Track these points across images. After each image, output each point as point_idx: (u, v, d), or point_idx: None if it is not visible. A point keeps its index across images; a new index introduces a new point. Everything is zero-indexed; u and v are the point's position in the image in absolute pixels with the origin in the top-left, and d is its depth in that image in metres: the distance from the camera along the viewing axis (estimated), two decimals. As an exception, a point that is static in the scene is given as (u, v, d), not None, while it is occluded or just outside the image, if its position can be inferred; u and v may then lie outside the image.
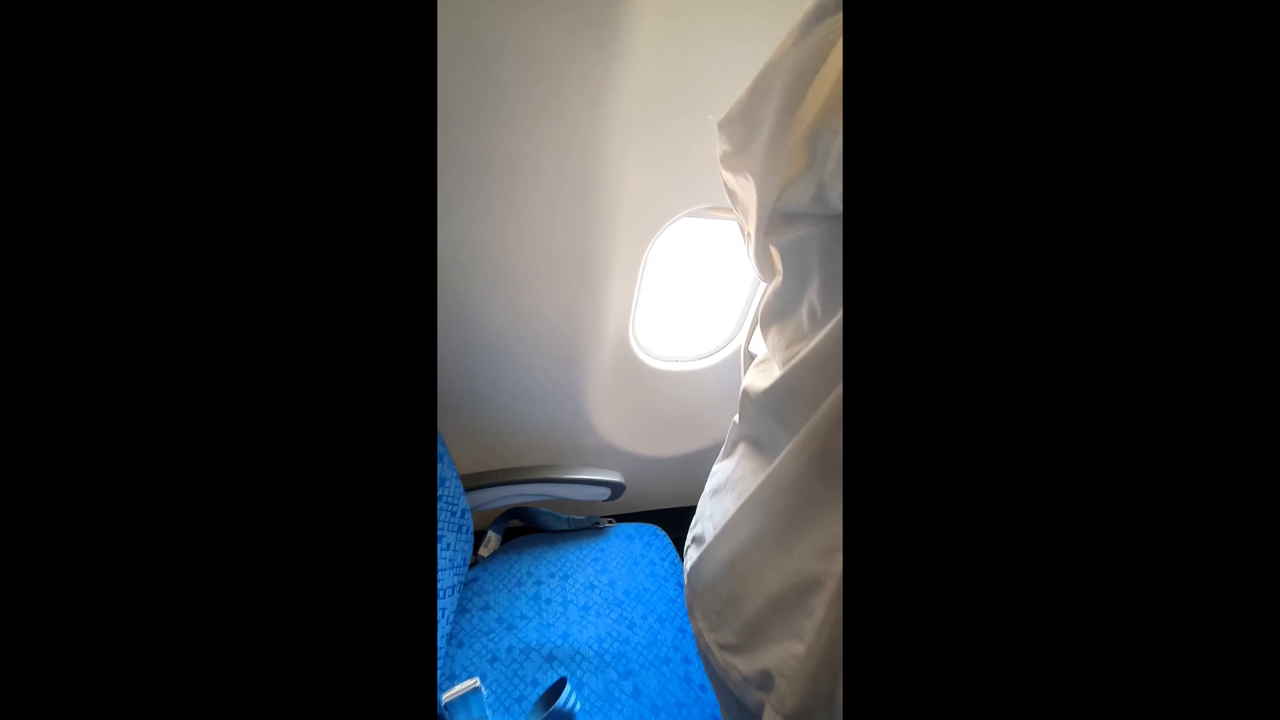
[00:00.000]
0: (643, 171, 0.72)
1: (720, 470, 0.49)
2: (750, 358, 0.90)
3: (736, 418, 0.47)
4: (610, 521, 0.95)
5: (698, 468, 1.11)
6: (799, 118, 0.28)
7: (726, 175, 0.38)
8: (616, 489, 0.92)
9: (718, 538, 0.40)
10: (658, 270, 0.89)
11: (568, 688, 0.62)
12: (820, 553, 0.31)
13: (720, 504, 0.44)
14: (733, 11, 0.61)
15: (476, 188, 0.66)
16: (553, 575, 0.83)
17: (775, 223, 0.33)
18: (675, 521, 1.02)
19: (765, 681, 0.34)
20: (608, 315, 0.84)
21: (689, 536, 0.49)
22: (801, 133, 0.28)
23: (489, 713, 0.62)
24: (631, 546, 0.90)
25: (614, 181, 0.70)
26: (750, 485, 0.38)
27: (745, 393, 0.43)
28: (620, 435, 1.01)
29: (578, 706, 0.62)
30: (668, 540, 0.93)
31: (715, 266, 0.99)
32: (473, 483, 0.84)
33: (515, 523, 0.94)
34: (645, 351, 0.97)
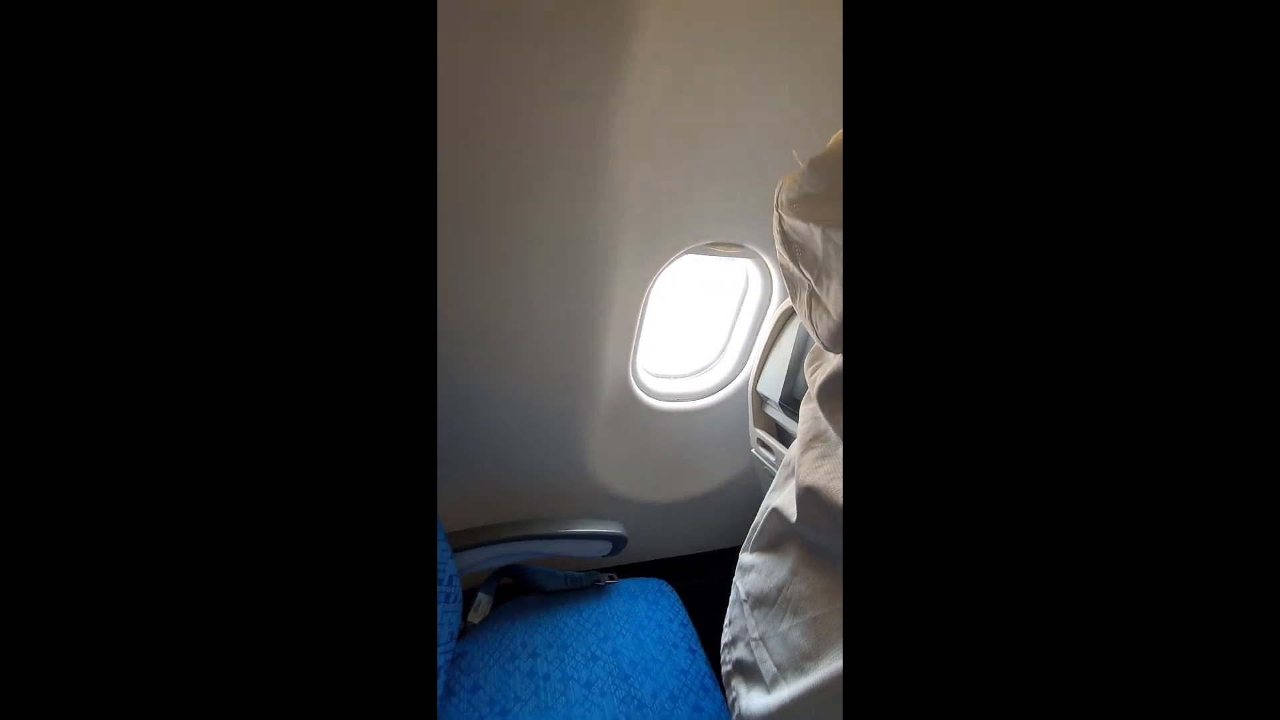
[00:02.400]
0: (641, 215, 0.69)
1: (761, 568, 0.41)
2: (760, 399, 0.85)
3: (782, 506, 0.40)
4: (612, 578, 0.87)
5: (702, 513, 1.04)
6: None
7: (792, 222, 0.34)
8: (618, 542, 0.85)
9: (799, 701, 0.32)
10: (658, 310, 0.85)
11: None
12: None
13: (778, 629, 0.36)
14: (734, 58, 0.59)
15: (472, 242, 0.62)
16: (549, 645, 0.75)
17: None
18: (680, 570, 0.94)
19: None
20: (604, 359, 0.79)
21: (728, 657, 0.41)
22: None
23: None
24: (636, 606, 0.82)
25: (611, 229, 0.67)
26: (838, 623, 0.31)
27: (813, 493, 0.35)
28: (620, 481, 0.95)
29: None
30: (675, 596, 0.86)
31: (714, 302, 0.96)
32: (460, 542, 0.77)
33: (508, 580, 0.86)
34: (645, 391, 0.92)
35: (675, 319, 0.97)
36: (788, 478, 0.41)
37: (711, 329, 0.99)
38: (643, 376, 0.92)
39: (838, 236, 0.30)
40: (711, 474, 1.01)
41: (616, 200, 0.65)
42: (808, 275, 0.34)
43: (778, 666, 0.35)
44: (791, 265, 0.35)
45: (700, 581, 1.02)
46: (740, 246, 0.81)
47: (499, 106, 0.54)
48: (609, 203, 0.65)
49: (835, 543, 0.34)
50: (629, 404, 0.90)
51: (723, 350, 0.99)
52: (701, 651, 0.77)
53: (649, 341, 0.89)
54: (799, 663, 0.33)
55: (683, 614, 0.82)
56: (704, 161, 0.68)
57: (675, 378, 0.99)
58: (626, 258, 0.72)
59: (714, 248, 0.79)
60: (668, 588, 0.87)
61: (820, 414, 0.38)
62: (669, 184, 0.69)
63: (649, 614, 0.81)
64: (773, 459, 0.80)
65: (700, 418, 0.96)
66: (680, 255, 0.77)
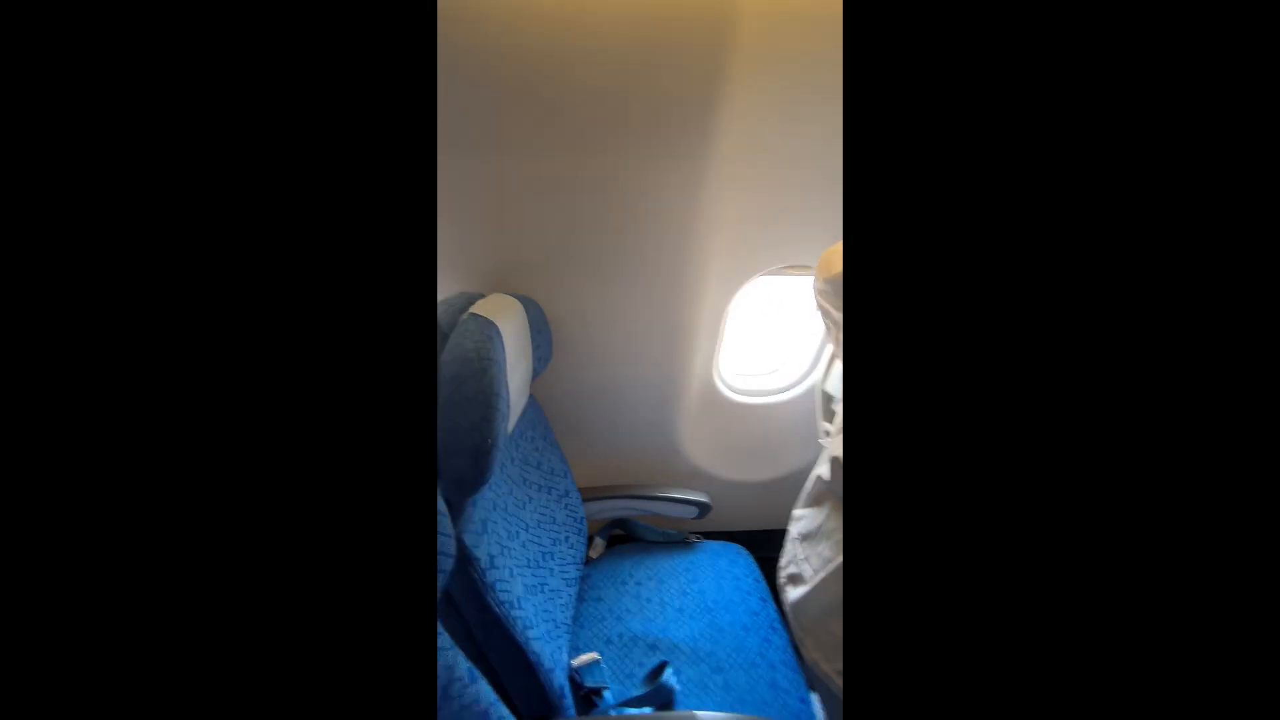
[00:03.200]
0: (726, 244, 0.88)
1: (808, 517, 0.59)
2: (827, 397, 0.99)
3: (822, 472, 0.57)
4: (698, 538, 1.07)
5: (776, 494, 1.20)
6: None
7: (825, 304, 0.52)
8: (703, 508, 1.05)
9: (823, 582, 0.50)
10: (742, 320, 1.04)
11: (669, 669, 0.75)
12: None
13: (816, 549, 0.54)
14: (802, 96, 0.75)
15: (602, 267, 0.87)
16: (650, 578, 0.97)
17: None
18: (755, 543, 1.11)
19: None
20: (694, 358, 1.00)
21: (783, 573, 0.60)
22: None
23: (608, 682, 0.77)
24: (718, 562, 1.02)
25: (702, 252, 0.87)
26: None
27: (838, 461, 0.54)
28: (706, 459, 1.15)
29: (678, 688, 0.74)
30: (751, 559, 1.03)
31: (790, 314, 1.11)
32: (587, 495, 1.03)
33: (617, 531, 1.10)
34: (728, 387, 1.10)
35: (759, 328, 1.14)
36: (824, 451, 0.58)
37: (789, 336, 1.15)
38: (726, 374, 1.11)
39: (838, 316, 0.49)
40: (784, 461, 1.16)
41: (706, 233, 0.85)
42: (832, 325, 0.52)
43: (813, 569, 0.53)
44: (824, 318, 0.53)
45: (771, 554, 1.18)
46: (809, 267, 0.96)
47: (625, 162, 0.76)
48: (700, 236, 0.85)
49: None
50: (714, 397, 1.09)
51: (795, 354, 1.14)
52: (771, 602, 0.94)
53: (733, 346, 1.08)
54: (825, 564, 0.51)
55: (756, 572, 1.00)
56: (777, 199, 0.86)
57: (755, 376, 1.16)
58: (714, 278, 0.92)
59: (787, 270, 0.96)
60: (745, 552, 1.05)
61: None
62: (748, 218, 0.87)
63: (728, 569, 1.00)
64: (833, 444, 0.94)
65: (775, 411, 1.12)
66: (759, 275, 0.95)
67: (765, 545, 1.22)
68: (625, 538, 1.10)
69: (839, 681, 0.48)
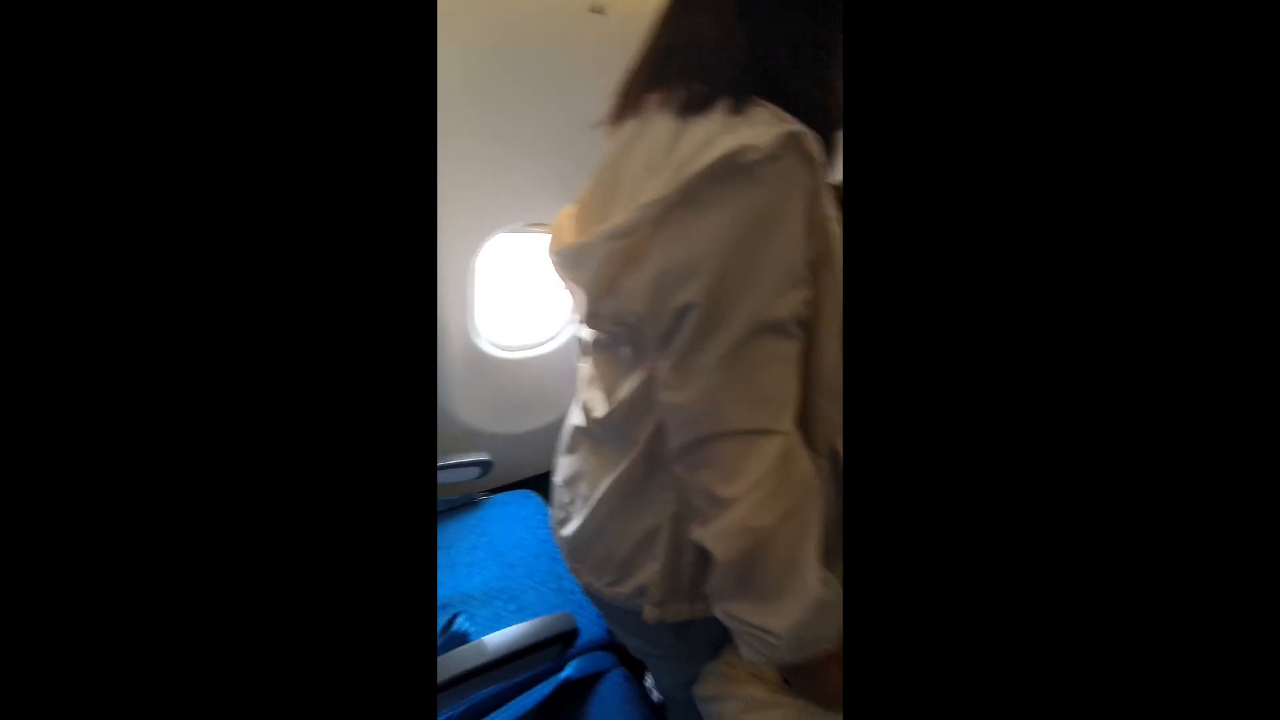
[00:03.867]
0: (462, 199, 0.87)
1: (566, 464, 0.60)
2: (582, 343, 1.12)
3: (578, 420, 0.58)
4: (485, 495, 1.10)
5: (553, 437, 1.31)
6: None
7: (560, 274, 0.53)
8: (485, 466, 1.07)
9: (589, 515, 0.53)
10: (491, 276, 1.05)
11: (460, 617, 0.78)
12: (657, 512, 0.48)
13: (577, 490, 0.56)
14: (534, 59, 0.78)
15: None
16: (440, 548, 0.96)
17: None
18: (546, 486, 1.20)
19: (640, 592, 0.50)
20: (446, 320, 0.97)
21: (554, 520, 0.63)
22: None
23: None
24: (506, 511, 1.07)
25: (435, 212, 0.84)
26: (603, 477, 0.51)
27: (585, 410, 0.55)
28: (481, 418, 1.16)
29: (470, 631, 0.78)
30: (539, 499, 1.12)
31: (542, 270, 1.18)
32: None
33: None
34: (491, 344, 1.12)
35: (515, 284, 1.17)
36: (573, 401, 0.62)
37: (545, 291, 1.22)
38: (488, 332, 1.12)
39: (573, 285, 0.50)
40: (559, 405, 1.27)
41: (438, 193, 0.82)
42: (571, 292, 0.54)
43: (578, 508, 0.57)
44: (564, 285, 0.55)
45: None
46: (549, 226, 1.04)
47: None
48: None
49: (599, 436, 0.54)
50: (477, 355, 1.09)
51: (556, 307, 1.23)
52: (559, 528, 1.06)
53: (490, 303, 1.09)
54: (587, 500, 0.55)
55: (545, 508, 1.09)
56: (511, 159, 0.88)
57: (518, 330, 1.21)
58: (450, 239, 0.90)
59: (530, 228, 1.01)
60: (533, 494, 1.13)
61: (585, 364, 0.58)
62: (482, 178, 0.87)
63: (517, 513, 1.07)
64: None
65: (543, 361, 1.20)
66: (498, 233, 0.97)
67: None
68: (405, 519, 1.03)
69: (609, 591, 0.54)
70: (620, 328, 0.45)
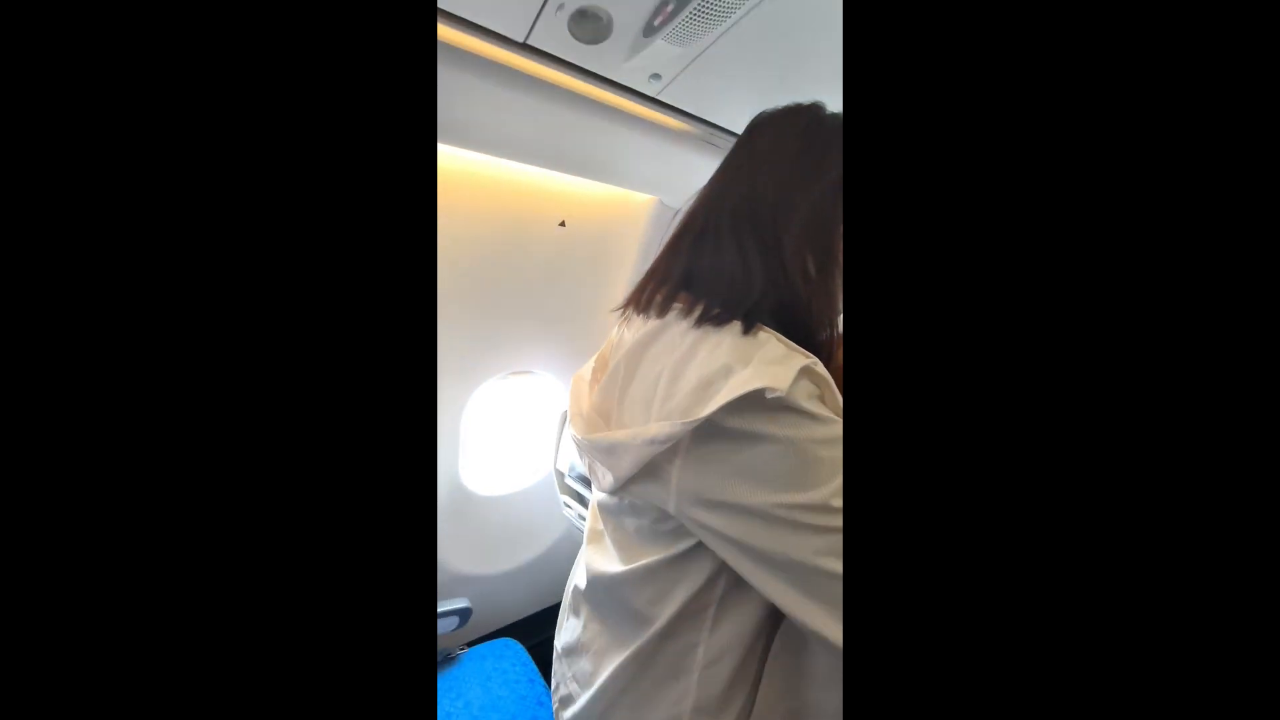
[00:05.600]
0: (453, 353, 1.01)
1: (569, 629, 0.57)
2: (560, 475, 1.18)
3: (578, 581, 0.55)
4: (463, 648, 1.04)
5: (539, 573, 1.29)
6: None
7: (588, 459, 0.49)
8: (464, 614, 1.04)
9: (592, 698, 0.49)
10: (482, 420, 1.15)
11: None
12: (675, 703, 0.44)
13: (579, 665, 0.53)
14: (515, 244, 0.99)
15: None
16: None
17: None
18: (530, 629, 1.15)
19: None
20: (435, 462, 1.05)
21: (556, 698, 0.58)
22: None
23: None
24: (484, 664, 1.01)
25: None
26: (612, 654, 0.48)
27: (589, 567, 0.52)
28: (464, 561, 1.15)
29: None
30: (521, 649, 1.06)
31: (523, 413, 1.30)
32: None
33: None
34: (476, 485, 1.18)
35: (503, 424, 1.27)
36: (578, 562, 0.60)
37: (529, 429, 1.32)
38: (473, 473, 1.18)
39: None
40: (540, 539, 1.28)
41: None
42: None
43: (579, 686, 0.53)
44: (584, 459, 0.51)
45: (547, 635, 1.23)
46: (530, 372, 1.19)
47: None
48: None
49: (605, 603, 0.51)
50: (462, 497, 1.14)
51: (536, 446, 1.32)
52: (541, 681, 1.00)
53: (475, 446, 1.17)
54: (587, 680, 0.52)
55: (525, 657, 1.04)
56: (501, 312, 1.05)
57: (501, 470, 1.27)
58: (444, 387, 1.02)
59: (513, 374, 1.15)
60: (513, 642, 1.08)
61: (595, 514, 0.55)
62: (475, 329, 1.03)
63: (495, 666, 1.01)
64: (575, 514, 1.12)
65: (525, 498, 1.24)
66: (486, 382, 1.11)
67: (540, 629, 1.27)
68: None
69: None
70: (652, 509, 0.45)
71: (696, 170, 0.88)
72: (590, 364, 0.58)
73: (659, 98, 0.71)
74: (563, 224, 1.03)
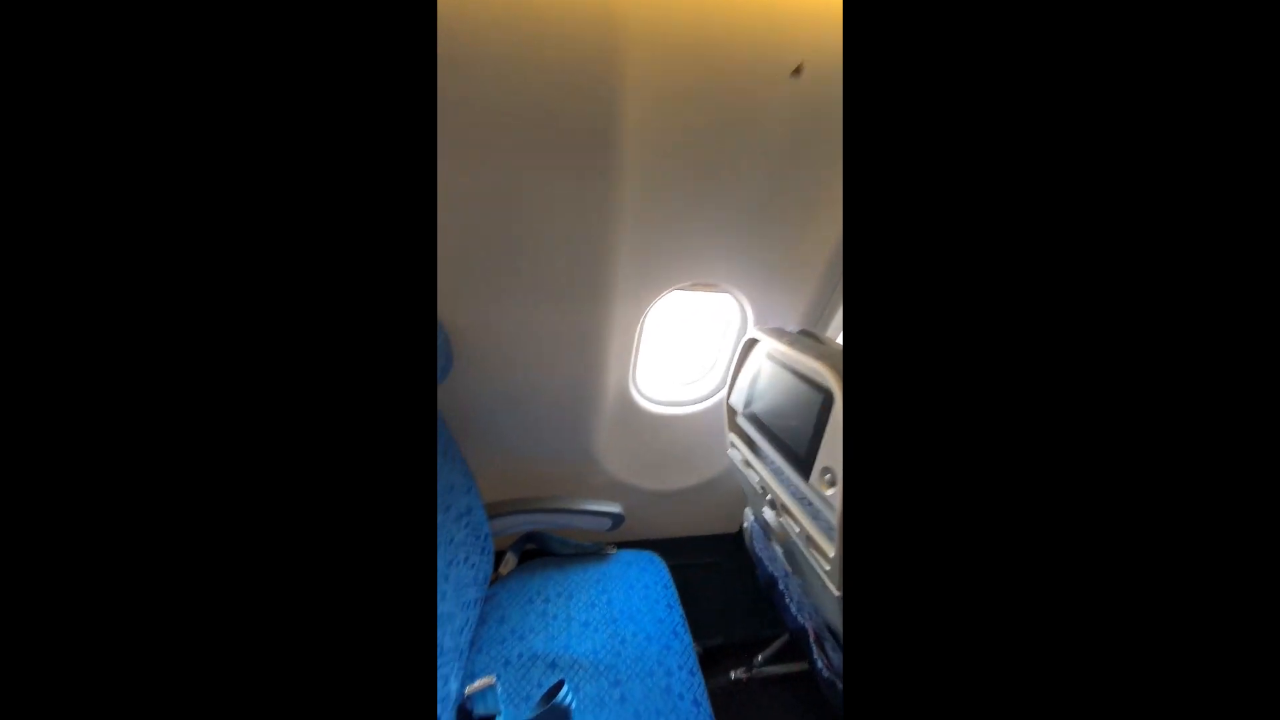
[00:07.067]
0: (637, 255, 0.89)
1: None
2: (731, 410, 1.03)
3: None
4: (614, 548, 1.08)
5: (690, 503, 1.23)
6: None
7: None
8: (617, 519, 1.05)
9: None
10: (657, 332, 1.05)
11: (565, 688, 0.74)
12: None
13: None
14: (703, 122, 0.77)
15: (507, 283, 0.84)
16: (560, 594, 0.96)
17: None
18: (670, 550, 1.13)
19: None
20: (607, 370, 1.00)
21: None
22: None
23: (501, 707, 0.75)
24: (629, 571, 1.02)
25: (611, 266, 0.87)
26: None
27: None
28: (623, 470, 1.15)
29: (573, 705, 0.74)
30: (663, 566, 1.05)
31: (703, 328, 1.14)
32: (495, 510, 1.00)
33: (530, 546, 1.08)
34: (644, 397, 1.12)
35: (677, 339, 1.16)
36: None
37: (703, 349, 1.18)
38: (642, 385, 1.11)
39: None
40: (697, 470, 1.19)
41: (615, 248, 0.85)
42: None
43: None
44: None
45: (685, 560, 1.21)
46: (715, 285, 0.99)
47: (526, 177, 0.75)
48: (610, 250, 0.85)
49: None
50: (630, 408, 1.10)
51: (711, 367, 1.17)
52: (678, 608, 0.96)
53: (648, 357, 1.09)
54: None
55: (667, 578, 1.02)
56: (687, 217, 0.87)
57: (672, 387, 1.18)
58: (624, 293, 0.92)
59: (696, 286, 0.98)
60: (657, 559, 1.07)
61: None
62: (658, 235, 0.88)
63: (639, 577, 1.01)
64: (741, 459, 0.98)
65: (689, 421, 1.15)
66: (669, 291, 0.96)
67: (680, 552, 1.25)
68: (539, 552, 1.08)
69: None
70: None
71: None
72: None
73: None
74: (798, 71, 0.72)
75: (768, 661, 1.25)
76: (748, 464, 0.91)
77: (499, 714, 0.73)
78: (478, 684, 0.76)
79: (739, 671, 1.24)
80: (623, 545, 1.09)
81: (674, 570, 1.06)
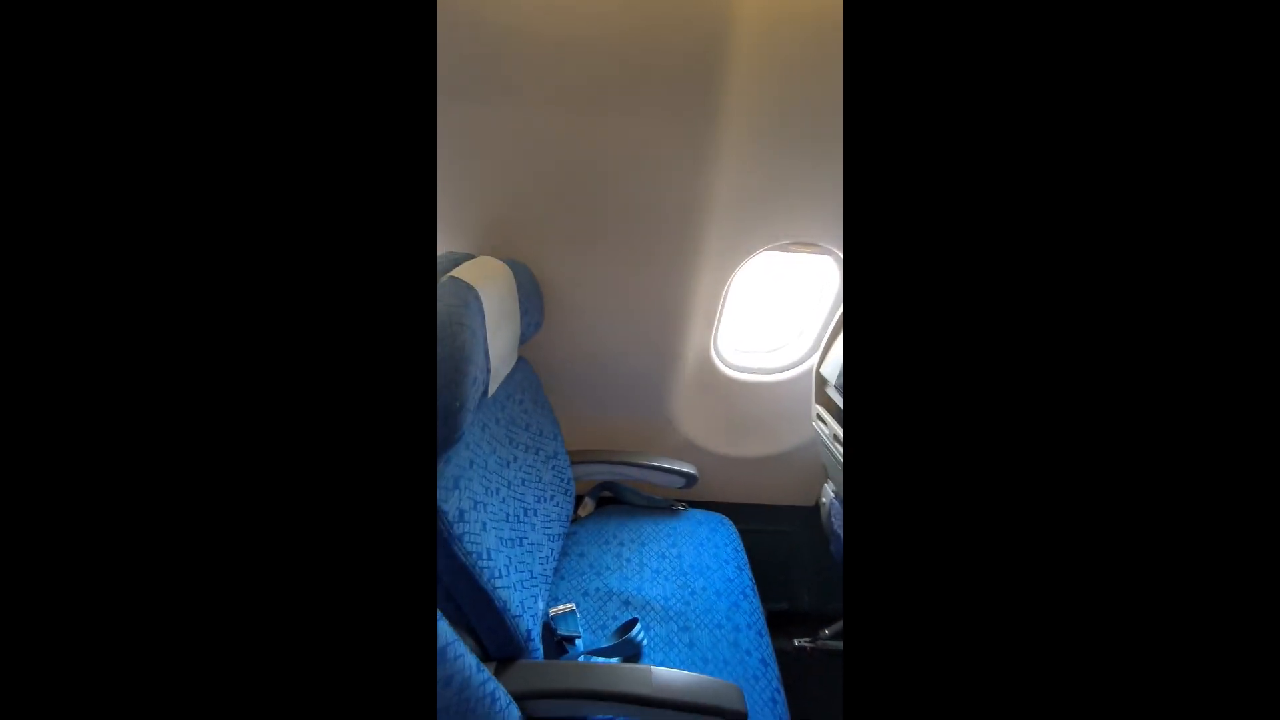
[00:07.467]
0: (730, 212, 0.85)
1: None
2: (822, 379, 0.98)
3: None
4: (684, 506, 1.11)
5: (764, 472, 1.21)
6: None
7: None
8: (690, 479, 1.07)
9: None
10: (742, 296, 1.01)
11: (639, 625, 0.80)
12: None
13: None
14: (805, 74, 0.70)
15: (590, 223, 0.85)
16: (633, 540, 1.02)
17: None
18: (740, 515, 1.13)
19: None
20: (691, 332, 0.99)
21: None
22: None
23: (581, 630, 0.83)
24: (700, 530, 1.05)
25: (703, 224, 0.84)
26: None
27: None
28: (699, 433, 1.16)
29: (645, 642, 0.80)
30: (733, 529, 1.06)
31: (794, 292, 1.07)
32: (577, 458, 1.06)
33: (606, 494, 1.15)
34: (725, 363, 1.10)
35: (761, 304, 1.12)
36: None
37: (789, 315, 1.12)
38: (723, 350, 1.09)
39: None
40: (776, 439, 1.16)
41: (708, 204, 0.82)
42: None
43: None
44: None
45: (754, 526, 1.20)
46: (815, 245, 0.92)
47: (626, 125, 0.73)
48: (702, 207, 0.82)
49: None
50: (711, 372, 1.09)
51: (799, 334, 1.11)
52: (748, 571, 0.97)
53: (732, 321, 1.06)
54: None
55: (737, 541, 1.03)
56: (782, 173, 0.81)
57: (755, 353, 1.14)
58: (715, 251, 0.89)
59: (792, 246, 0.92)
60: (728, 521, 1.08)
61: None
62: (752, 192, 0.83)
63: (710, 536, 1.04)
64: (829, 433, 0.93)
65: (771, 389, 1.11)
66: (760, 252, 0.92)
67: (750, 518, 1.25)
68: (614, 500, 1.14)
69: None
70: None
71: None
72: None
73: None
74: None
75: (835, 636, 1.24)
76: (836, 439, 0.86)
77: (579, 637, 0.80)
78: (560, 608, 0.84)
79: (803, 640, 1.24)
80: (693, 505, 1.12)
81: (743, 535, 1.07)
